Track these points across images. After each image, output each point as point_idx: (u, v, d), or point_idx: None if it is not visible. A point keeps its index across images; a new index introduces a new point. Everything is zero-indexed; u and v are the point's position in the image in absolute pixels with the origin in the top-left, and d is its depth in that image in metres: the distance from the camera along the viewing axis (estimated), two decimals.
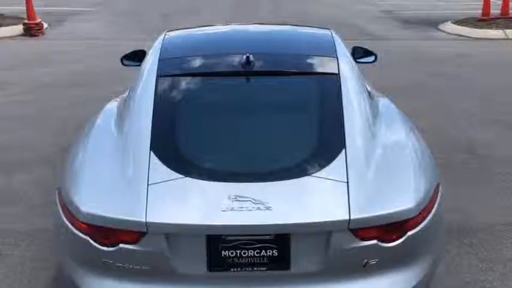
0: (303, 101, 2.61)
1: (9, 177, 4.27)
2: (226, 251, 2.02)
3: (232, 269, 2.04)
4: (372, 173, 2.16)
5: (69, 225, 2.12)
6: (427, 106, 5.98)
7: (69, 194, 2.17)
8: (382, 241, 2.04)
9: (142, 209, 2.00)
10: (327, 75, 2.64)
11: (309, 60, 2.81)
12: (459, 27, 11.63)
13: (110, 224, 2.01)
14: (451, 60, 8.85)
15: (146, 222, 1.98)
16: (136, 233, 2.00)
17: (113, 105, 2.88)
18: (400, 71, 7.45)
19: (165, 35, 3.14)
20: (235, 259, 2.03)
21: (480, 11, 11.96)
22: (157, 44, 2.96)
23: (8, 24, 10.73)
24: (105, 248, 2.04)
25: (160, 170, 2.14)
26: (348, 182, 2.09)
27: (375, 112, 2.63)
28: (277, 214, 1.99)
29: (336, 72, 2.62)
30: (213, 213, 1.99)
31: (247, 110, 2.56)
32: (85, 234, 2.06)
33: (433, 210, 2.19)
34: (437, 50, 9.67)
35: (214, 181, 2.10)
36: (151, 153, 2.21)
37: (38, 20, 10.69)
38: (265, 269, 2.05)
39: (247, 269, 2.04)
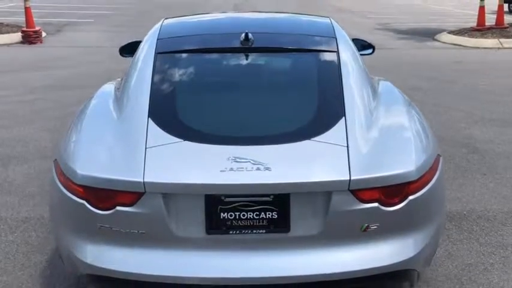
0: (302, 75, 2.60)
1: (4, 169, 4.24)
2: (225, 213, 1.98)
3: (231, 232, 2.00)
4: (372, 139, 2.14)
5: (65, 192, 2.08)
6: (424, 106, 5.98)
7: (66, 159, 2.13)
8: (383, 204, 2.00)
9: (140, 169, 1.97)
10: (326, 52, 2.63)
11: (308, 39, 2.80)
12: (455, 36, 11.76)
13: (106, 185, 1.97)
14: (447, 65, 8.92)
15: (144, 182, 1.93)
16: (133, 194, 1.95)
17: (109, 85, 2.86)
18: (398, 75, 7.48)
19: (163, 21, 3.14)
20: (234, 221, 1.99)
21: (474, 24, 12.10)
22: (156, 27, 2.96)
23: (6, 32, 10.78)
24: (101, 212, 2.00)
25: (159, 135, 2.11)
26: (347, 146, 2.06)
27: (375, 88, 2.62)
28: (277, 174, 1.95)
29: (335, 50, 2.62)
30: (212, 173, 1.95)
31: (247, 82, 2.55)
32: (81, 198, 2.01)
33: (435, 179, 2.16)
34: (433, 57, 9.76)
35: (213, 144, 2.07)
36: (150, 119, 2.18)
37: (37, 28, 10.74)
38: (264, 231, 2.00)
39: (246, 231, 1.99)
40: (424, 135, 2.33)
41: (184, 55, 2.63)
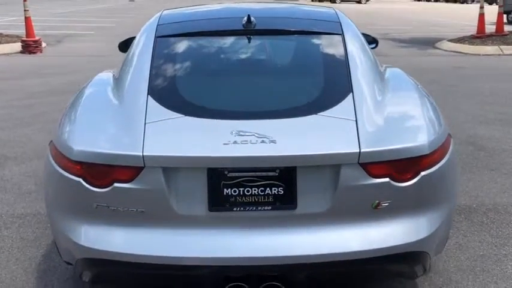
0: (307, 54, 2.52)
1: (1, 168, 4.15)
2: (229, 189, 1.87)
3: (234, 209, 1.89)
4: (382, 115, 2.05)
5: (61, 171, 1.98)
6: None
7: (62, 138, 2.03)
8: (395, 180, 1.90)
9: (139, 142, 1.87)
10: (331, 34, 2.55)
11: (312, 23, 2.73)
12: (455, 44, 11.74)
13: (103, 160, 1.87)
14: (449, 71, 8.88)
15: (143, 156, 1.83)
16: (132, 169, 1.85)
17: (106, 73, 2.78)
18: None
19: (162, 11, 3.07)
20: (238, 198, 1.88)
21: (473, 33, 12.10)
22: (155, 16, 2.89)
23: (6, 42, 10.76)
24: (98, 190, 1.89)
25: (159, 111, 2.02)
26: (356, 120, 1.97)
27: (383, 73, 2.54)
28: (283, 147, 1.85)
29: (340, 32, 2.54)
30: (215, 146, 1.85)
31: (250, 61, 2.46)
32: (77, 176, 1.91)
33: (447, 157, 2.06)
34: (435, 64, 9.72)
35: (216, 119, 1.98)
36: (149, 97, 2.09)
37: (37, 38, 10.72)
38: (270, 208, 1.89)
39: (250, 208, 1.88)
40: (434, 114, 2.25)
41: (185, 38, 2.55)
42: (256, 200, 1.88)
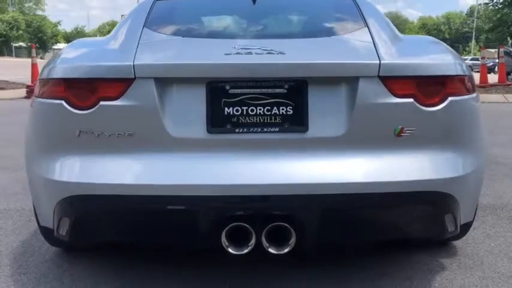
0: (319, 8, 2.33)
1: None
2: (230, 108, 1.62)
3: (237, 130, 1.62)
4: (401, 42, 1.84)
5: (42, 100, 1.74)
6: None
7: (47, 67, 1.81)
8: (420, 102, 1.65)
9: (131, 53, 1.66)
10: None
11: None
12: None
13: (88, 74, 1.64)
14: None
15: (134, 65, 1.60)
16: (121, 82, 1.61)
17: None
18: None
19: None
20: (240, 118, 1.62)
21: (476, 83, 12.18)
22: None
23: (11, 88, 10.81)
24: (81, 112, 1.65)
25: (154, 35, 1.83)
26: (374, 42, 1.75)
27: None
28: (293, 57, 1.62)
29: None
30: (215, 55, 1.63)
31: (259, 9, 2.28)
32: (59, 99, 1.67)
33: (474, 95, 1.84)
34: None
35: (217, 38, 1.77)
36: (145, 28, 1.90)
37: None
38: (277, 130, 1.63)
39: (255, 130, 1.62)
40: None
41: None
42: (262, 120, 1.62)
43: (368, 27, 1.90)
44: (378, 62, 1.62)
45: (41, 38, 63.46)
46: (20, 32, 60.36)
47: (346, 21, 2.02)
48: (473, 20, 63.56)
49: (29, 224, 2.81)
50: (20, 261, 2.31)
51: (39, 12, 72.34)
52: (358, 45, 1.76)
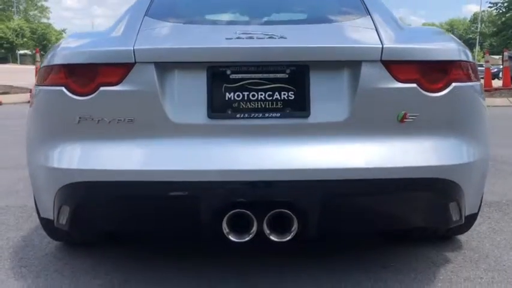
0: None
1: None
2: (231, 93, 1.61)
3: (238, 115, 1.61)
4: (403, 31, 1.83)
5: (42, 88, 1.74)
6: None
7: (48, 55, 1.81)
8: (423, 88, 1.63)
9: (131, 39, 1.65)
10: None
11: None
12: None
13: (89, 59, 1.63)
14: None
15: (134, 50, 1.60)
16: (121, 67, 1.61)
17: None
18: None
19: None
20: (241, 103, 1.61)
21: None
22: None
23: (15, 92, 10.87)
24: (81, 98, 1.64)
25: (155, 22, 1.82)
26: (376, 28, 1.74)
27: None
28: (295, 41, 1.61)
29: None
30: (216, 40, 1.62)
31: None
32: (59, 85, 1.67)
33: (478, 83, 1.82)
34: None
35: (218, 25, 1.76)
36: (146, 16, 1.90)
37: None
38: (278, 115, 1.62)
39: (256, 115, 1.61)
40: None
41: None
42: (263, 106, 1.61)
43: (370, 15, 1.89)
44: (381, 46, 1.61)
45: (46, 46, 63.94)
46: (25, 39, 60.84)
47: (348, 9, 2.01)
48: (477, 27, 63.61)
49: (30, 220, 2.80)
50: (20, 255, 2.30)
51: (43, 20, 73.03)
52: (361, 30, 1.75)
